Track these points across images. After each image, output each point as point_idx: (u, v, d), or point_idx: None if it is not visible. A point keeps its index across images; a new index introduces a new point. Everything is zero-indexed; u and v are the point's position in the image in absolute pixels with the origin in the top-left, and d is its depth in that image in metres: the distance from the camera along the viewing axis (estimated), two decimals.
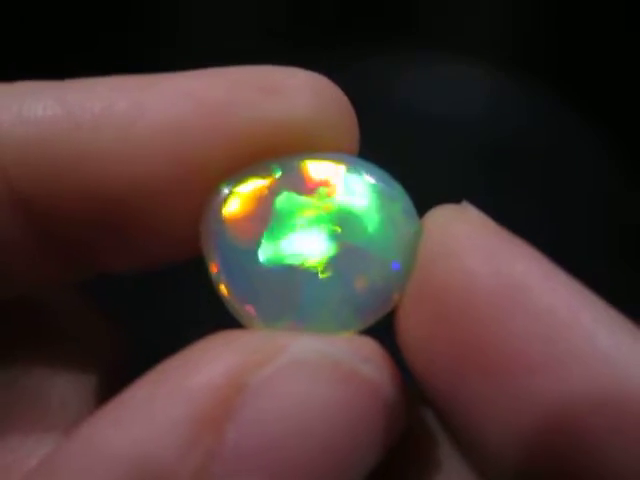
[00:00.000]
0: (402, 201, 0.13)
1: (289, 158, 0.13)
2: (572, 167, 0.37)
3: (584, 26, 0.38)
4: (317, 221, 0.12)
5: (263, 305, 0.12)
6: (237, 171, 0.13)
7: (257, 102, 0.12)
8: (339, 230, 0.12)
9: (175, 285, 0.28)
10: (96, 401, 0.15)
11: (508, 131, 0.37)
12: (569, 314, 0.10)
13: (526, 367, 0.10)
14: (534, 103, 0.38)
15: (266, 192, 0.13)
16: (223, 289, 0.13)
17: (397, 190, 0.13)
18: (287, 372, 0.11)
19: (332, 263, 0.12)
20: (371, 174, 0.13)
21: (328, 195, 0.13)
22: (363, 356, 0.11)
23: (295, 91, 0.13)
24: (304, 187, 0.13)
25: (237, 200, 0.13)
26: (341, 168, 0.13)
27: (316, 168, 0.13)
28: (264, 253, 0.12)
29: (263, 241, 0.12)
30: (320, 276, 0.12)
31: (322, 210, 0.12)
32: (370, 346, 0.12)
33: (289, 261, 0.12)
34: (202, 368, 0.11)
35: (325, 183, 0.13)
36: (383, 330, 0.12)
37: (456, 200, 0.13)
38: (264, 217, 0.12)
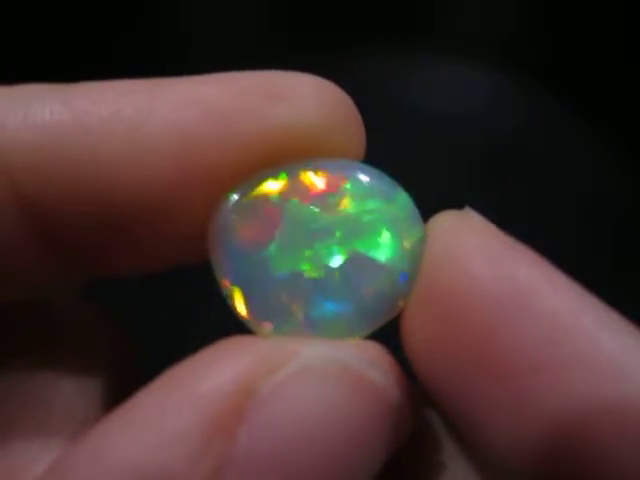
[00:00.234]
0: (407, 208, 0.13)
1: (296, 165, 0.13)
2: (571, 167, 0.37)
3: (584, 26, 0.38)
4: (325, 228, 0.12)
5: (274, 313, 0.12)
6: (245, 178, 0.13)
7: (264, 108, 0.12)
8: (346, 237, 0.12)
9: (180, 287, 0.28)
10: (102, 405, 0.15)
11: (508, 131, 0.37)
12: (572, 317, 0.10)
13: (530, 370, 0.10)
14: (534, 103, 0.38)
15: (274, 201, 0.13)
16: (232, 295, 0.13)
17: (402, 196, 0.13)
18: (297, 378, 0.11)
19: (340, 270, 0.12)
20: (377, 180, 0.13)
21: (335, 202, 0.13)
22: (370, 361, 0.11)
23: (301, 97, 0.13)
24: (311, 195, 0.13)
25: (245, 209, 0.13)
26: (347, 175, 0.13)
27: (323, 175, 0.13)
28: (273, 260, 0.12)
29: (272, 250, 0.12)
30: (327, 283, 0.12)
31: (329, 217, 0.13)
32: (377, 351, 0.12)
33: (297, 268, 0.12)
34: (212, 374, 0.11)
35: (332, 190, 0.13)
36: (388, 334, 0.13)
37: (456, 200, 0.13)
38: (273, 224, 0.13)
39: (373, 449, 0.11)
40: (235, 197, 0.13)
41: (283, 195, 0.13)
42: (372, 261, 0.12)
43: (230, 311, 0.13)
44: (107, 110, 0.12)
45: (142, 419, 0.11)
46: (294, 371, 0.11)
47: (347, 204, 0.13)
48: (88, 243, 0.13)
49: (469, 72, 0.39)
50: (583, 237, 0.34)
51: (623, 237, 0.35)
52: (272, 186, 0.13)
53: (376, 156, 0.13)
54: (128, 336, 0.17)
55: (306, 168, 0.13)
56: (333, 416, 0.11)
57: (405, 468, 0.13)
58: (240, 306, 0.13)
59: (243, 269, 0.13)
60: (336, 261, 0.12)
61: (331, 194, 0.13)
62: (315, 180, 0.13)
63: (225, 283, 0.13)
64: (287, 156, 0.13)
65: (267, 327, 0.12)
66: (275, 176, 0.13)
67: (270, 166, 0.13)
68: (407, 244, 0.12)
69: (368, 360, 0.11)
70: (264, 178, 0.13)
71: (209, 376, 0.11)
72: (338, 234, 0.12)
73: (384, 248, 0.12)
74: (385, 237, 0.13)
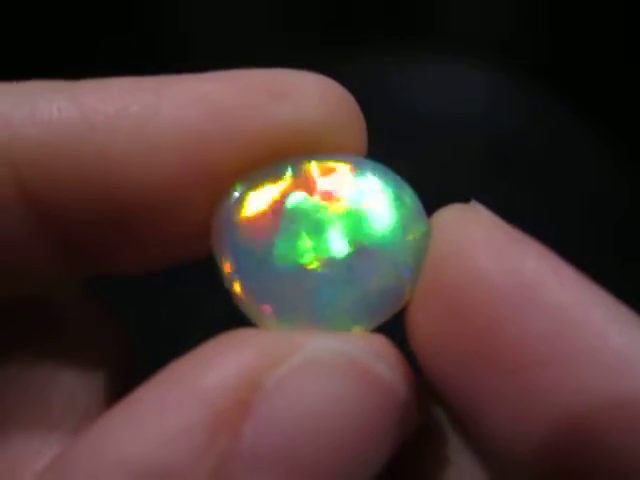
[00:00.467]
0: (412, 201, 0.13)
1: (300, 160, 0.13)
2: (571, 166, 0.37)
3: (584, 26, 0.38)
4: (329, 222, 0.13)
5: (278, 304, 0.12)
6: (249, 173, 0.13)
7: (267, 106, 0.12)
8: (350, 231, 0.12)
9: (182, 282, 0.28)
10: (103, 400, 0.15)
11: (508, 131, 0.37)
12: (580, 311, 0.10)
13: (538, 364, 0.10)
14: (534, 103, 0.38)
15: (278, 194, 0.13)
16: (237, 289, 0.13)
17: (406, 190, 0.13)
18: (303, 371, 0.11)
19: (344, 264, 0.12)
20: (380, 175, 0.13)
21: (339, 196, 0.13)
22: (377, 354, 0.11)
23: (304, 95, 0.13)
24: (315, 189, 0.13)
25: (250, 202, 0.13)
26: (351, 169, 0.13)
27: (327, 170, 0.13)
28: (278, 254, 0.12)
29: (277, 242, 0.12)
30: (332, 276, 0.12)
31: (333, 211, 0.13)
32: (382, 344, 0.12)
33: (302, 262, 0.12)
34: (215, 368, 0.11)
35: (336, 185, 0.13)
36: (393, 327, 0.13)
37: (457, 199, 0.13)
38: (277, 219, 0.13)
39: (379, 443, 0.11)
40: (239, 192, 0.13)
41: (286, 189, 0.13)
42: (377, 254, 0.12)
43: (232, 308, 0.13)
44: (113, 107, 0.12)
45: (144, 414, 0.11)
46: (299, 364, 0.11)
47: (351, 198, 0.13)
48: (93, 239, 0.13)
49: (469, 72, 0.39)
50: (584, 237, 0.34)
51: (624, 237, 0.35)
52: (276, 180, 0.13)
53: (376, 156, 0.13)
54: (129, 332, 0.17)
55: (310, 163, 0.13)
56: (339, 410, 0.11)
57: (410, 463, 0.13)
58: (244, 300, 0.13)
59: (247, 263, 0.13)
60: (341, 254, 0.12)
61: (335, 188, 0.13)
62: (318, 175, 0.13)
63: (229, 277, 0.13)
64: (290, 153, 0.13)
65: (271, 320, 0.12)
66: (278, 171, 0.13)
67: (274, 162, 0.13)
68: (412, 237, 0.12)
69: (374, 353, 0.11)
70: (267, 173, 0.13)
71: (212, 369, 0.11)
72: (342, 228, 0.12)
73: (389, 241, 0.12)
74: (389, 230, 0.12)
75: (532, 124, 0.38)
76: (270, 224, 0.13)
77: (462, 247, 0.11)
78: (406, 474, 0.13)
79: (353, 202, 0.13)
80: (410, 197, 0.13)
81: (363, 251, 0.12)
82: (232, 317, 0.13)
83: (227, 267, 0.13)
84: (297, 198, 0.13)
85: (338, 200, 0.13)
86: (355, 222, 0.12)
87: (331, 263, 0.12)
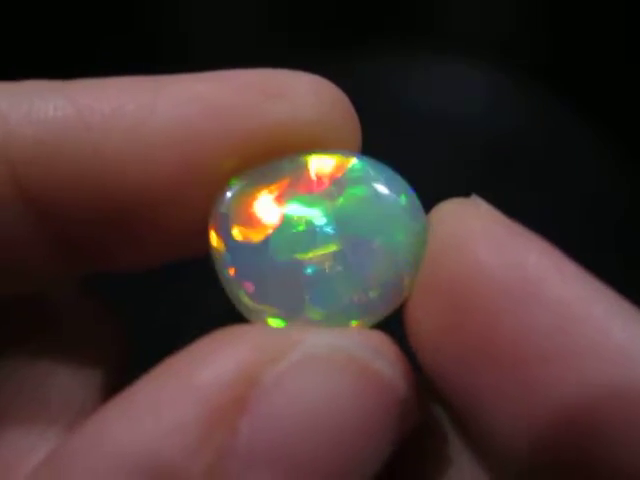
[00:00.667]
0: (409, 197, 0.13)
1: (295, 157, 0.13)
2: (571, 166, 0.37)
3: (584, 26, 0.38)
4: (325, 219, 0.12)
5: (275, 303, 0.12)
6: (245, 171, 0.13)
7: (262, 105, 0.13)
8: (347, 227, 0.12)
9: (180, 279, 0.28)
10: (100, 396, 0.15)
11: (508, 131, 0.37)
12: (582, 306, 0.10)
13: (540, 358, 0.10)
14: (534, 103, 0.38)
15: (273, 190, 0.13)
16: (234, 290, 0.13)
17: (403, 187, 0.13)
18: (301, 367, 0.11)
19: (341, 259, 0.12)
20: (377, 170, 0.13)
21: (335, 192, 0.13)
22: (375, 350, 0.11)
23: (299, 94, 0.13)
24: (311, 185, 0.13)
25: (245, 200, 0.13)
26: (347, 165, 0.13)
27: (322, 165, 0.13)
28: (274, 251, 0.12)
29: (273, 240, 0.12)
30: (330, 272, 0.12)
31: (330, 208, 0.13)
32: (382, 340, 0.12)
33: (299, 258, 0.12)
34: (211, 363, 0.11)
35: (331, 179, 0.13)
36: (392, 325, 0.12)
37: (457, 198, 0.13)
38: (272, 214, 0.13)
39: (378, 440, 0.11)
40: (235, 188, 0.13)
41: (282, 185, 0.13)
42: (374, 250, 0.12)
43: (228, 306, 0.13)
44: (110, 106, 0.12)
45: (139, 409, 0.11)
46: (298, 360, 0.11)
47: (348, 194, 0.13)
48: (90, 237, 0.13)
49: (469, 72, 0.39)
50: (584, 237, 0.34)
51: (624, 236, 0.35)
52: (272, 176, 0.13)
53: (376, 156, 0.13)
54: (125, 329, 0.17)
55: (306, 159, 0.13)
56: (338, 406, 0.11)
57: (410, 461, 0.13)
58: (241, 296, 0.13)
59: (244, 260, 0.13)
60: (338, 251, 0.12)
61: (331, 184, 0.13)
62: (313, 170, 0.13)
63: (225, 274, 0.13)
64: (285, 152, 0.13)
65: (269, 316, 0.12)
66: (274, 167, 0.13)
67: (269, 161, 0.13)
68: (410, 233, 0.12)
69: (373, 349, 0.11)
70: (264, 169, 0.13)
71: (208, 365, 0.11)
72: (340, 223, 0.12)
73: (386, 237, 0.12)
74: (387, 226, 0.12)
75: (532, 124, 0.38)
76: (266, 221, 0.13)
77: (462, 240, 0.11)
78: (405, 472, 0.13)
79: (350, 198, 0.13)
80: (407, 193, 0.13)
81: (359, 247, 0.12)
82: (230, 314, 0.13)
83: (223, 266, 0.13)
84: (293, 194, 0.13)
85: (334, 196, 0.13)
86: (351, 217, 0.12)
87: (328, 259, 0.12)
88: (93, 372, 0.15)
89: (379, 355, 0.11)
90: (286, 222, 0.13)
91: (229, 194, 0.13)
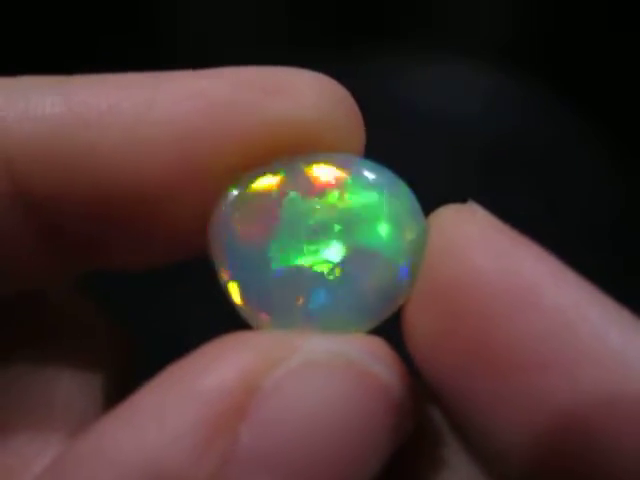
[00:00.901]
0: (408, 200, 0.13)
1: (296, 160, 0.13)
2: (571, 166, 0.37)
3: (583, 25, 0.38)
4: (324, 223, 0.12)
5: (274, 307, 0.12)
6: (244, 173, 0.13)
7: (262, 102, 0.12)
8: (346, 231, 0.12)
9: (179, 286, 0.28)
10: (102, 402, 0.15)
11: (507, 130, 0.37)
12: (578, 312, 0.10)
13: (536, 364, 0.10)
14: (533, 102, 0.38)
15: (274, 195, 0.13)
16: (234, 294, 0.13)
17: (403, 189, 0.13)
18: (300, 373, 0.11)
19: (341, 264, 0.12)
20: (377, 174, 0.13)
21: (335, 196, 0.13)
22: (374, 355, 0.11)
23: (300, 92, 0.13)
24: (311, 189, 0.13)
25: (245, 204, 0.13)
26: (347, 169, 0.13)
27: (322, 169, 0.13)
28: (273, 256, 0.12)
29: (272, 244, 0.12)
30: (329, 278, 0.12)
31: (329, 211, 0.12)
32: (379, 345, 0.12)
33: (298, 263, 0.12)
34: (213, 370, 0.11)
35: (332, 184, 0.13)
36: (390, 330, 0.12)
37: (457, 199, 0.13)
38: (273, 220, 0.13)
39: (377, 445, 0.11)
40: (234, 192, 0.13)
41: (282, 189, 0.13)
42: (373, 255, 0.12)
43: (229, 309, 0.13)
44: (106, 102, 0.12)
45: (144, 416, 0.11)
46: (296, 365, 0.11)
47: (348, 198, 0.13)
48: (88, 233, 0.13)
49: (469, 72, 0.39)
50: (582, 236, 0.34)
51: (621, 236, 0.35)
52: (271, 181, 0.13)
53: (376, 156, 0.13)
54: (128, 335, 0.17)
55: (306, 162, 0.13)
56: (337, 411, 0.11)
57: (407, 464, 0.13)
58: (239, 301, 0.13)
59: (243, 264, 0.13)
60: (336, 255, 0.12)
61: (331, 188, 0.13)
62: (314, 174, 0.13)
63: (225, 278, 0.13)
64: (287, 152, 0.13)
65: (267, 321, 0.12)
66: (274, 171, 0.13)
67: (270, 161, 0.13)
68: (408, 238, 0.12)
69: (371, 354, 0.11)
70: (263, 173, 0.13)
71: (210, 372, 0.11)
72: (338, 228, 0.12)
73: (385, 242, 0.12)
74: (386, 231, 0.12)
75: (532, 124, 0.38)
76: (266, 226, 0.12)
77: (458, 246, 0.11)
78: (402, 474, 0.13)
79: (349, 202, 0.13)
80: (406, 196, 0.13)
81: (359, 252, 0.12)
82: (232, 319, 0.13)
83: (223, 270, 0.13)
84: (293, 199, 0.13)
85: (333, 200, 0.13)
86: (351, 222, 0.12)
87: (326, 264, 0.12)
88: (96, 377, 0.15)
89: (377, 360, 0.11)
90: (285, 225, 0.12)
91: (228, 196, 0.13)
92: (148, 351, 0.17)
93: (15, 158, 0.12)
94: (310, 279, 0.12)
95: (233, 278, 0.13)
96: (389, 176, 0.13)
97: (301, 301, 0.12)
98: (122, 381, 0.16)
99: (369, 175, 0.13)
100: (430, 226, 0.12)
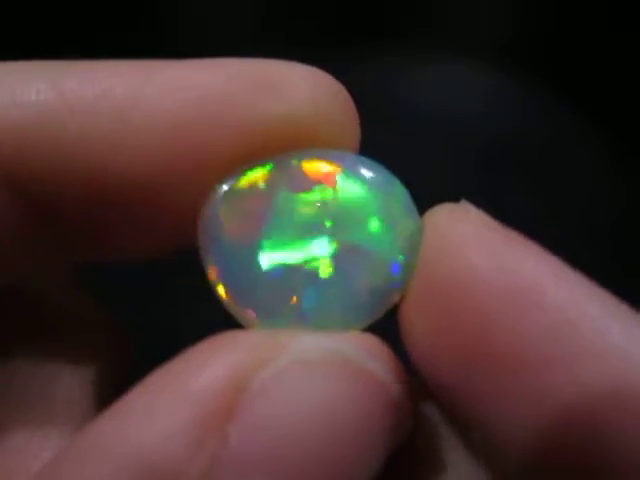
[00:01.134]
0: (402, 197, 0.13)
1: (287, 155, 0.13)
2: (570, 166, 0.37)
3: (583, 25, 0.38)
4: (316, 219, 0.12)
5: (263, 307, 0.12)
6: (235, 168, 0.13)
7: (255, 95, 0.12)
8: (338, 228, 0.12)
9: (175, 284, 0.28)
10: (101, 399, 0.15)
11: (507, 130, 0.37)
12: (580, 309, 0.10)
13: (539, 361, 0.10)
14: (533, 102, 0.38)
15: (264, 191, 0.12)
16: (222, 292, 0.12)
17: (397, 186, 0.13)
18: (289, 372, 0.11)
19: (332, 262, 0.12)
20: (370, 170, 0.13)
21: (327, 193, 0.12)
22: (370, 352, 0.11)
23: (295, 86, 0.12)
24: (302, 185, 0.12)
25: (235, 199, 0.12)
26: (340, 165, 0.13)
27: (314, 165, 0.13)
28: (263, 254, 0.12)
29: (262, 242, 0.12)
30: (321, 275, 0.12)
31: (321, 208, 0.12)
32: (374, 342, 0.12)
33: (289, 261, 0.12)
34: (204, 370, 0.11)
35: (324, 180, 0.12)
36: (386, 327, 0.12)
37: (455, 199, 0.13)
38: (263, 216, 0.12)
39: (374, 446, 0.11)
40: (224, 188, 0.13)
41: (273, 185, 0.12)
42: (365, 253, 0.12)
43: (223, 307, 0.13)
44: (95, 90, 0.12)
45: (136, 415, 0.11)
46: (285, 364, 0.11)
47: (340, 194, 0.12)
48: (80, 222, 0.13)
49: (469, 72, 0.38)
50: (582, 236, 0.34)
51: (620, 236, 0.35)
52: (262, 177, 0.13)
53: (375, 156, 0.13)
54: (125, 332, 0.17)
55: (298, 158, 0.13)
56: (333, 410, 0.11)
57: (405, 463, 0.13)
58: (228, 299, 0.12)
59: (232, 261, 0.12)
60: (328, 253, 0.12)
61: (324, 184, 0.12)
62: (306, 170, 0.13)
63: (213, 276, 0.13)
64: (280, 146, 0.13)
65: (256, 320, 0.12)
66: (265, 167, 0.13)
67: (262, 156, 0.13)
68: (402, 235, 0.12)
69: (368, 351, 0.11)
70: (254, 168, 0.13)
71: (201, 372, 0.11)
72: (330, 225, 0.12)
73: (378, 239, 0.12)
74: (379, 228, 0.12)
75: (532, 124, 0.38)
76: (255, 223, 0.12)
77: (453, 245, 0.11)
78: (401, 475, 0.13)
79: (341, 198, 0.12)
80: (400, 194, 0.13)
81: (351, 249, 0.12)
82: (224, 318, 0.13)
83: (212, 269, 0.13)
84: (283, 195, 0.12)
85: (325, 196, 0.12)
86: (343, 219, 0.12)
87: (318, 262, 0.12)
88: (97, 373, 0.15)
89: (373, 357, 0.11)
90: (275, 221, 0.12)
91: (218, 191, 0.13)
92: (148, 347, 0.17)
93: (2, 145, 0.12)
94: (301, 277, 0.12)
95: (222, 276, 0.12)
96: (383, 173, 0.13)
97: (294, 300, 0.12)
98: (122, 376, 0.16)
99: (362, 171, 0.13)
100: (425, 224, 0.12)
